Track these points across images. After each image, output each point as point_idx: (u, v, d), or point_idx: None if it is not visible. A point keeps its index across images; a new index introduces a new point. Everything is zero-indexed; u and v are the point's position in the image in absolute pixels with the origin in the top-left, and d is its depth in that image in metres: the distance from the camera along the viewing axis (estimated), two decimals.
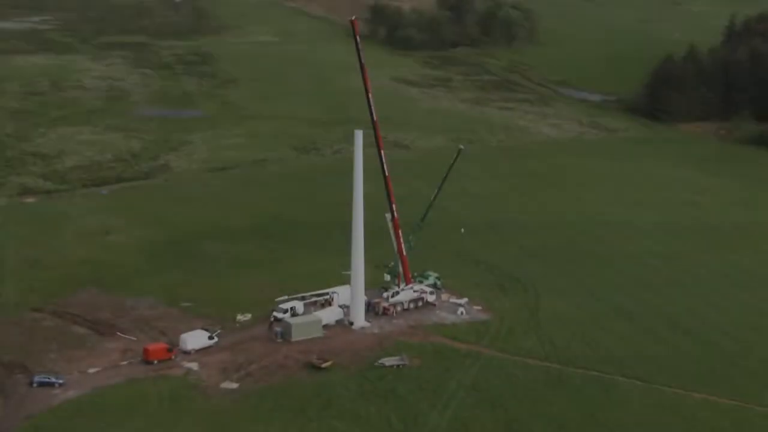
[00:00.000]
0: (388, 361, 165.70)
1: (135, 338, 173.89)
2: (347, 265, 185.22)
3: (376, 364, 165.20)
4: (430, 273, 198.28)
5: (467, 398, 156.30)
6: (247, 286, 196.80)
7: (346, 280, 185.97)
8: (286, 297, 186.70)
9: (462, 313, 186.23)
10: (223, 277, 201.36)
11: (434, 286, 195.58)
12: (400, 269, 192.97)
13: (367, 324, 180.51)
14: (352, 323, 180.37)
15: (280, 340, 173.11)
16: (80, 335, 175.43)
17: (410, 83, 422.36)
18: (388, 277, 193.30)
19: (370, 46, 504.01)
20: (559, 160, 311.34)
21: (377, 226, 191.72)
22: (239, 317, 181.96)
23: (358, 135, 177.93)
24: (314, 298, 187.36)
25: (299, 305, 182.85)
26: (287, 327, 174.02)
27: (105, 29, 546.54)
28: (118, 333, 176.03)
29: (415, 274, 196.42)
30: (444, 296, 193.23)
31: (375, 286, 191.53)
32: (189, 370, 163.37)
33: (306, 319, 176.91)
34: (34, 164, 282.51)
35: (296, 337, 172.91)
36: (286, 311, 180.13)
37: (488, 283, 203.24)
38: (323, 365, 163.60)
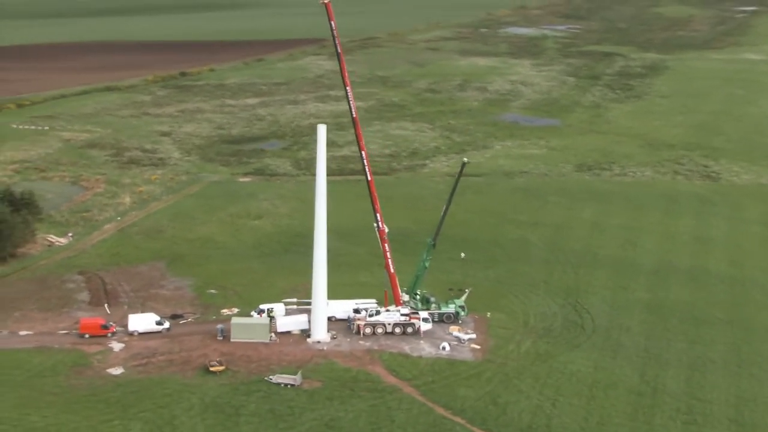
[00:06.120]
0: (279, 378, 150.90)
1: (109, 312, 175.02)
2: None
3: (265, 378, 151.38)
4: (456, 301, 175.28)
5: None
6: (293, 285, 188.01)
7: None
8: (295, 300, 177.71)
9: (444, 348, 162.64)
10: (287, 275, 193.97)
11: (456, 315, 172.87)
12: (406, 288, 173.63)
13: (326, 339, 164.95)
14: (309, 335, 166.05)
15: (220, 338, 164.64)
16: (73, 300, 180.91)
17: None
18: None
19: None
20: None
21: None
22: (224, 311, 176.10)
23: (321, 129, 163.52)
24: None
25: (280, 308, 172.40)
26: (228, 326, 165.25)
27: (606, 39, 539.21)
28: (105, 305, 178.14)
29: (432, 299, 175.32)
30: (452, 327, 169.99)
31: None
32: (106, 350, 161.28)
33: (250, 321, 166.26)
34: (305, 150, 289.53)
35: (235, 337, 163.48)
36: (262, 312, 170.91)
37: (539, 326, 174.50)
38: (213, 369, 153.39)
